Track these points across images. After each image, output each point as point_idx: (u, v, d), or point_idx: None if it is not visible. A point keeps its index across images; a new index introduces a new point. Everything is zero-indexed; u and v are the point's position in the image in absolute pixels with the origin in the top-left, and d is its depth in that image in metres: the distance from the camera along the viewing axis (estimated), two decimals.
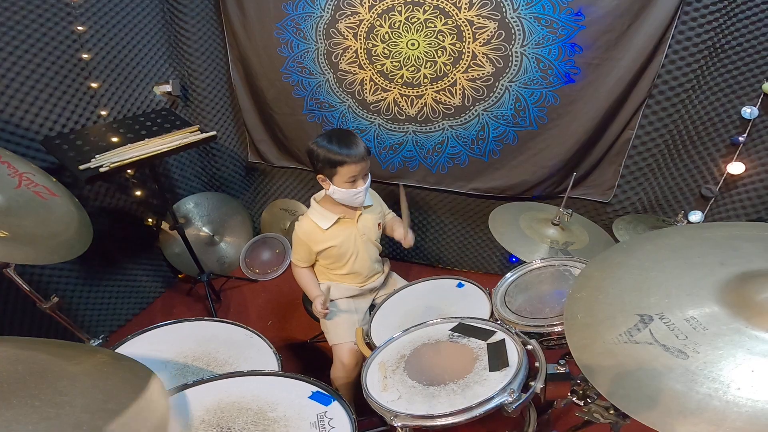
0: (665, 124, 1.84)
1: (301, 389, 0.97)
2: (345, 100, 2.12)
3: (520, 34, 1.75)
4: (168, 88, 2.12)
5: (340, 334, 1.51)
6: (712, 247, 0.88)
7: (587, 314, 0.85)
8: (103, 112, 1.93)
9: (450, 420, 0.83)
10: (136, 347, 1.20)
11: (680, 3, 1.57)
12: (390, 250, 2.58)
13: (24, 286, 1.26)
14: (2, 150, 1.36)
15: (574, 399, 1.08)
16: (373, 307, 1.60)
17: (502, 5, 1.72)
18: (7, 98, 1.59)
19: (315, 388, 0.96)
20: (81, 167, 1.54)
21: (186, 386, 0.95)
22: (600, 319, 0.83)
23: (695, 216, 1.93)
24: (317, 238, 1.50)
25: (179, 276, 2.50)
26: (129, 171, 1.99)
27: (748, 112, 1.66)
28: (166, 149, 1.72)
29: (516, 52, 1.79)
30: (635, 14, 1.61)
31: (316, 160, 1.42)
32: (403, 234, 1.60)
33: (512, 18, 1.73)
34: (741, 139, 1.72)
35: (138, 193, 2.13)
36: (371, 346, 1.32)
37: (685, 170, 1.90)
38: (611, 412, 1.04)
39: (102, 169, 1.54)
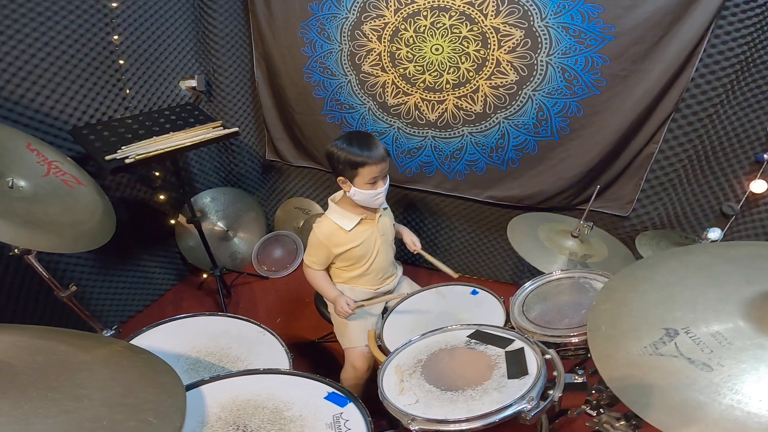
0: (690, 138, 1.82)
1: (316, 389, 0.96)
2: (366, 102, 2.13)
3: (546, 43, 1.75)
4: (193, 83, 2.16)
5: (354, 339, 1.51)
6: (737, 266, 0.90)
7: (611, 326, 0.85)
8: (130, 105, 1.96)
9: (467, 425, 0.83)
10: (149, 340, 1.21)
11: (714, 16, 1.54)
12: (402, 254, 2.57)
13: (44, 273, 1.28)
14: (33, 138, 1.38)
15: (587, 409, 1.07)
16: (385, 311, 1.60)
17: (529, 14, 1.72)
18: (39, 88, 1.63)
19: (331, 389, 0.96)
20: (107, 158, 1.56)
21: (202, 382, 0.96)
22: (624, 331, 0.83)
23: (715, 233, 1.89)
24: (339, 240, 1.50)
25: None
26: (151, 163, 2.01)
27: None
28: (189, 143, 1.74)
29: (541, 61, 1.78)
30: (667, 26, 1.59)
31: (337, 162, 1.42)
32: (410, 240, 1.69)
33: (540, 27, 1.73)
34: (766, 156, 1.68)
35: (157, 185, 2.16)
36: (383, 349, 1.32)
37: (706, 186, 1.87)
38: (622, 422, 1.03)
39: (128, 161, 1.56)
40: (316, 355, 2.06)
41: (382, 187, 1.44)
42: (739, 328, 0.75)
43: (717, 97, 1.70)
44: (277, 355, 1.19)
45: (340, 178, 1.45)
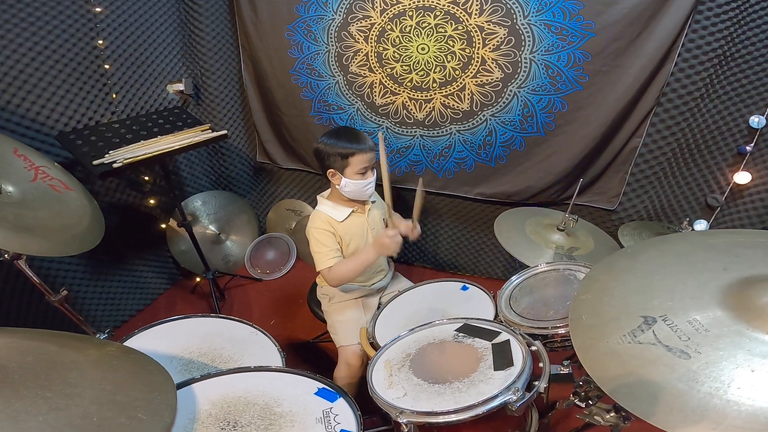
0: (673, 132, 1.85)
1: (306, 385, 0.98)
2: (354, 102, 2.14)
3: (530, 41, 1.77)
4: (181, 86, 2.16)
5: (348, 337, 1.52)
6: (716, 253, 0.91)
7: (592, 315, 0.86)
8: (117, 109, 1.96)
9: (455, 417, 0.84)
10: (142, 342, 1.22)
11: (691, 12, 1.58)
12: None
13: (34, 278, 1.28)
14: (19, 143, 1.39)
15: (576, 401, 1.09)
16: (378, 308, 1.61)
17: (512, 12, 1.74)
18: (24, 93, 1.63)
19: (321, 385, 0.97)
20: (94, 162, 1.56)
21: (193, 380, 0.96)
22: (604, 321, 0.84)
23: (700, 225, 1.93)
24: (335, 230, 1.50)
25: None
26: (140, 167, 2.01)
27: (756, 121, 1.67)
28: (177, 147, 1.75)
29: (525, 58, 1.81)
30: (645, 23, 1.62)
31: (326, 155, 1.44)
32: (406, 226, 1.48)
33: (522, 24, 1.75)
34: (748, 148, 1.72)
35: (147, 189, 2.16)
36: (375, 346, 1.33)
37: (691, 179, 1.90)
38: (612, 414, 1.05)
39: (115, 165, 1.56)
40: (310, 355, 2.07)
41: (372, 177, 1.47)
42: (717, 316, 0.75)
43: (697, 91, 1.73)
44: (270, 354, 1.20)
45: (330, 170, 1.46)
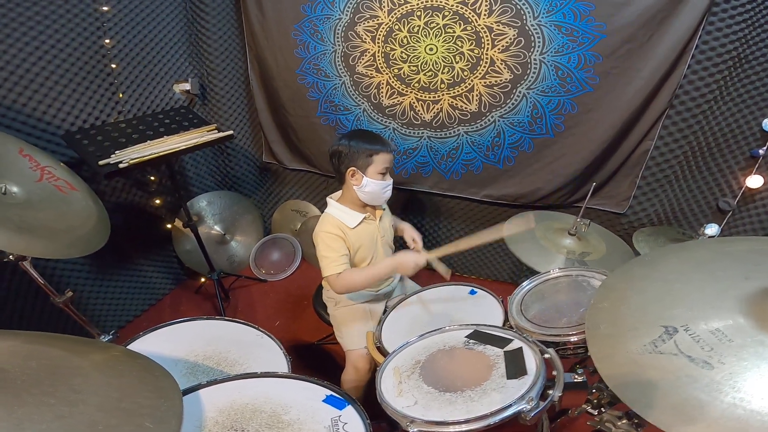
0: (685, 135, 1.82)
1: (314, 392, 0.96)
2: (360, 103, 2.13)
3: (539, 42, 1.75)
4: (187, 86, 2.15)
5: (356, 340, 1.50)
6: (735, 261, 0.89)
7: (610, 325, 0.84)
8: (123, 109, 1.95)
9: (466, 427, 0.82)
10: (146, 344, 1.20)
11: (705, 13, 1.55)
12: None
13: (39, 279, 1.27)
14: (25, 143, 1.37)
15: (588, 408, 1.07)
16: (385, 312, 1.59)
17: (522, 12, 1.72)
18: (31, 92, 1.62)
19: (329, 392, 0.95)
20: (100, 162, 1.55)
21: (199, 386, 0.95)
22: (623, 330, 0.82)
23: (712, 229, 1.90)
24: (345, 236, 1.46)
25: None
26: (147, 168, 2.00)
27: None
28: (183, 147, 1.73)
29: (535, 59, 1.79)
30: (658, 24, 1.60)
31: (347, 154, 1.40)
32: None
33: (532, 25, 1.73)
34: (761, 152, 1.69)
35: (153, 189, 2.15)
36: (381, 350, 1.31)
37: (702, 183, 1.87)
38: (624, 421, 1.03)
39: (121, 165, 1.55)
40: (315, 358, 2.05)
41: (391, 180, 1.46)
42: (739, 325, 0.74)
43: (710, 94, 1.71)
44: (276, 358, 1.18)
45: (351, 169, 1.41)
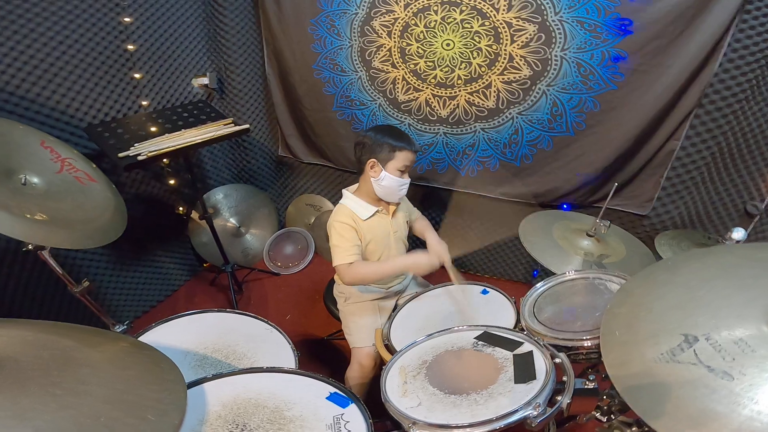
0: (713, 135, 1.74)
1: (318, 389, 0.95)
2: (376, 98, 2.11)
3: (561, 38, 1.69)
4: (205, 80, 2.17)
5: (363, 338, 1.50)
6: (765, 269, 0.84)
7: (626, 331, 0.81)
8: (144, 102, 1.99)
9: (470, 431, 0.80)
10: (159, 335, 1.22)
11: (738, 10, 1.48)
12: None
13: (57, 269, 1.30)
14: (46, 135, 1.41)
15: (598, 415, 1.04)
16: (395, 310, 1.58)
17: (543, 8, 1.67)
18: (54, 86, 1.66)
19: (333, 389, 0.95)
20: (120, 155, 1.58)
21: (205, 380, 0.95)
22: (640, 337, 0.79)
23: (738, 233, 1.81)
24: (358, 227, 1.46)
25: (204, 265, 2.55)
26: (164, 160, 2.04)
27: None
28: (200, 140, 1.75)
29: (556, 55, 1.73)
30: (688, 21, 1.53)
31: (372, 145, 1.41)
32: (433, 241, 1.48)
33: (553, 21, 1.68)
34: None
35: (171, 182, 2.19)
36: (390, 348, 1.30)
37: (730, 185, 1.79)
38: (633, 429, 1.00)
39: (140, 158, 1.58)
40: (324, 353, 2.06)
41: (408, 180, 1.46)
42: (764, 335, 0.70)
43: (741, 93, 1.63)
44: (284, 352, 1.18)
45: (372, 160, 1.41)
